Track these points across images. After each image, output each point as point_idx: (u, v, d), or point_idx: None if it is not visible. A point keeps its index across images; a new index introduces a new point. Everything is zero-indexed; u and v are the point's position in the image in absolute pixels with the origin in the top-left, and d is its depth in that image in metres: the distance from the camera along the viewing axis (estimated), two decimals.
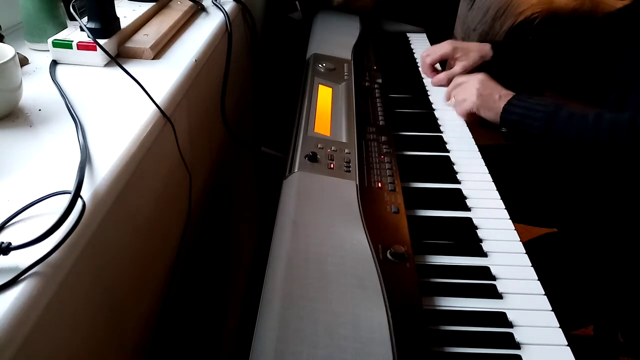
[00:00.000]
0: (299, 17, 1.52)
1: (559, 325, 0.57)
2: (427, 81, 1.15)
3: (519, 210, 0.97)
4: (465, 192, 0.78)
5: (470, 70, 1.07)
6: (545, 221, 1.08)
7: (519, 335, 0.55)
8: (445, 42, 1.14)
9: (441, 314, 0.58)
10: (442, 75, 1.11)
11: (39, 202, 0.45)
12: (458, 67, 1.09)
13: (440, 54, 1.12)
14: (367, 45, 1.24)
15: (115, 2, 0.75)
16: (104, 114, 0.60)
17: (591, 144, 0.80)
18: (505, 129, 0.89)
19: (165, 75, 0.70)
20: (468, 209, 0.74)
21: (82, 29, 0.70)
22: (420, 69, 1.19)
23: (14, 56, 0.55)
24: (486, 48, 1.08)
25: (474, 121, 0.95)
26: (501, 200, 0.77)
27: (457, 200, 0.76)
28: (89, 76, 0.68)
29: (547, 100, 0.86)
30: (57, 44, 0.69)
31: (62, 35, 0.70)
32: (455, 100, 0.99)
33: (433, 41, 1.38)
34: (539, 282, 0.62)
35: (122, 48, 0.74)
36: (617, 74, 0.94)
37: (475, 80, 0.95)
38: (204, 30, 0.88)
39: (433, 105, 1.03)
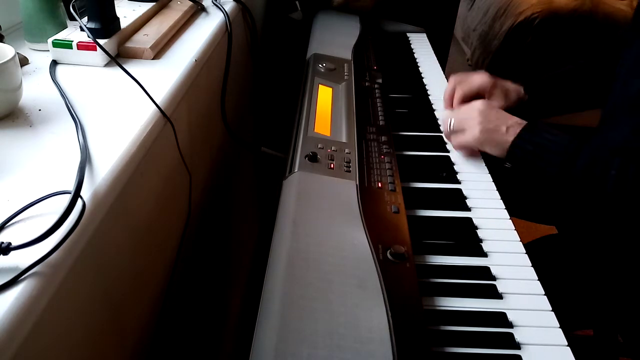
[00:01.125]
0: (299, 17, 1.52)
1: (559, 326, 0.57)
2: (427, 81, 1.15)
3: (518, 206, 0.96)
4: (465, 192, 0.78)
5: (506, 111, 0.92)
6: (545, 218, 1.08)
7: (519, 335, 0.55)
8: (482, 73, 0.98)
9: (441, 314, 0.58)
10: None
11: (39, 202, 0.45)
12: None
13: (479, 86, 0.97)
14: (367, 45, 1.24)
15: (115, 2, 0.75)
16: (104, 114, 0.60)
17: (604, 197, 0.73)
18: (511, 165, 0.79)
19: (165, 75, 0.70)
20: (468, 209, 0.74)
21: (82, 29, 0.70)
22: (445, 94, 1.01)
23: (14, 56, 0.55)
24: (522, 90, 0.98)
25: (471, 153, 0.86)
26: (501, 200, 0.77)
27: (457, 200, 0.76)
28: (89, 76, 0.68)
29: (563, 136, 0.77)
30: (57, 44, 0.69)
31: (62, 35, 0.70)
32: (454, 129, 0.87)
33: (433, 41, 1.38)
34: (539, 282, 0.62)
35: (122, 48, 0.74)
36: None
37: (476, 111, 0.84)
38: (204, 30, 0.88)
39: (433, 106, 1.03)
